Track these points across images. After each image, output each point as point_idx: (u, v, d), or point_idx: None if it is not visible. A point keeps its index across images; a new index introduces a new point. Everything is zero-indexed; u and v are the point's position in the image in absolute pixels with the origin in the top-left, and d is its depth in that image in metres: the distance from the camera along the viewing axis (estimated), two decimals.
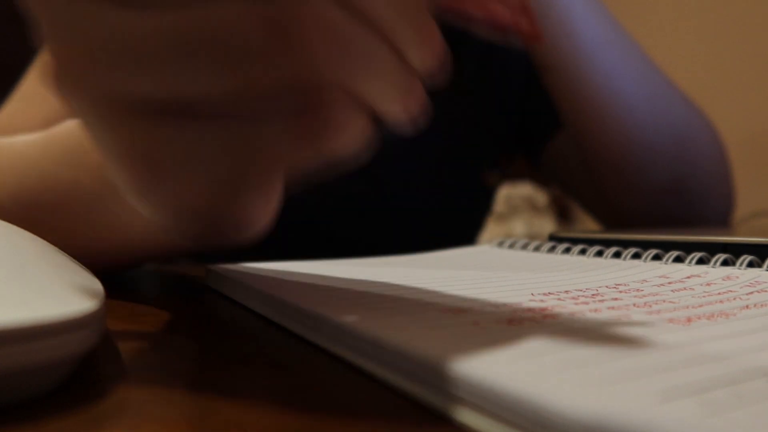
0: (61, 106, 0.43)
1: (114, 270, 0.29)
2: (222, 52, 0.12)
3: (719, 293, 0.19)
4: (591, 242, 0.32)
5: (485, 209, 0.60)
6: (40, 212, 0.27)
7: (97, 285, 0.16)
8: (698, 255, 0.26)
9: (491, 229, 1.64)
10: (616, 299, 0.18)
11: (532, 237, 1.59)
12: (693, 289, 0.20)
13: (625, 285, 0.21)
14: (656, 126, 0.46)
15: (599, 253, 0.30)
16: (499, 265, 0.28)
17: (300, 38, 0.12)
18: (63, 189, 0.26)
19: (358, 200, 0.51)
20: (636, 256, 0.28)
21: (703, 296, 0.19)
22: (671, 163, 0.47)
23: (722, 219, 0.52)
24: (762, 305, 0.17)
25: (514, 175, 1.70)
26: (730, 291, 0.20)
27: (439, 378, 0.12)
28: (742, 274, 0.23)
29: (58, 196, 0.27)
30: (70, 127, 0.27)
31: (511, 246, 0.36)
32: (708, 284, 0.21)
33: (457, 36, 0.52)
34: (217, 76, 0.12)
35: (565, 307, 0.17)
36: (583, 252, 0.31)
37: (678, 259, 0.27)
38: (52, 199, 0.27)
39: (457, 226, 0.58)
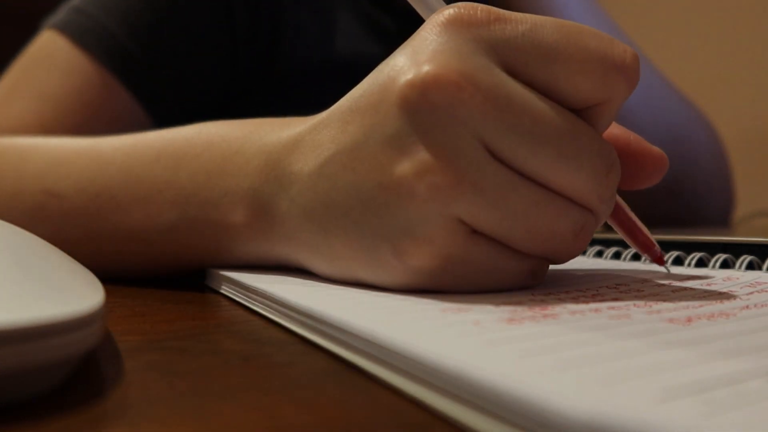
0: (45, 107, 0.42)
1: (130, 275, 0.29)
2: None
3: (719, 293, 0.19)
4: (591, 242, 0.32)
5: None
6: (112, 205, 0.28)
7: (97, 285, 0.17)
8: (698, 255, 0.26)
9: None
10: (616, 299, 0.18)
11: None
12: (693, 289, 0.20)
13: (625, 285, 0.21)
14: (654, 127, 0.46)
15: (599, 253, 0.30)
16: None
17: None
18: (149, 186, 0.27)
19: None
20: (636, 256, 0.28)
21: (703, 296, 0.19)
22: (670, 165, 0.47)
23: (723, 218, 0.52)
24: (762, 305, 0.17)
25: None
26: (730, 291, 0.20)
27: (439, 377, 0.12)
28: (742, 275, 0.23)
29: (141, 192, 0.27)
30: (164, 137, 0.28)
31: None
32: (708, 284, 0.21)
33: None
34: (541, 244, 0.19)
35: (565, 307, 0.17)
36: (583, 252, 0.31)
37: (678, 259, 0.27)
38: (132, 195, 0.27)
39: None
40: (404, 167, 0.18)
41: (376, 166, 0.19)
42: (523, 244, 0.19)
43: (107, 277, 0.28)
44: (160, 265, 0.28)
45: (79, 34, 0.40)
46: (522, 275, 0.20)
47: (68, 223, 0.28)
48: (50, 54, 0.40)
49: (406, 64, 0.19)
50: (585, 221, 0.19)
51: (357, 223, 0.20)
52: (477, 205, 0.18)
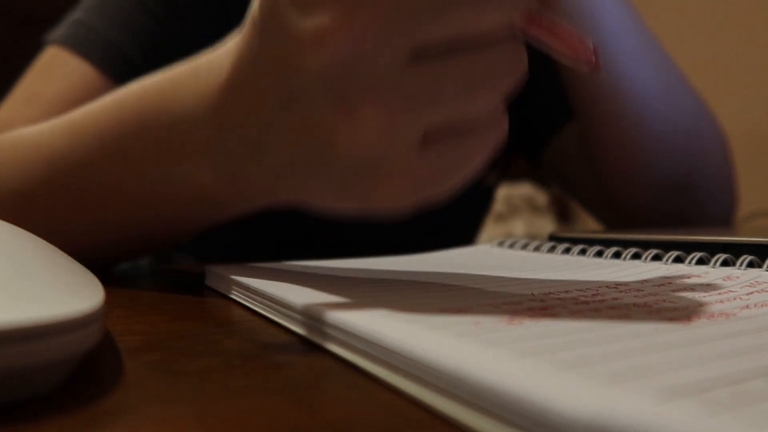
0: (49, 114, 0.43)
1: (123, 258, 0.30)
2: None
3: (719, 293, 0.19)
4: (591, 242, 0.32)
5: (485, 209, 0.60)
6: (74, 195, 0.28)
7: (97, 285, 0.17)
8: (698, 255, 0.26)
9: (491, 229, 1.64)
10: (616, 299, 0.18)
11: (532, 237, 1.58)
12: (693, 289, 0.20)
13: (625, 285, 0.21)
14: (669, 118, 0.46)
15: (599, 253, 0.30)
16: (500, 265, 0.28)
17: None
18: (108, 180, 0.27)
19: None
20: (636, 256, 0.28)
21: (703, 296, 0.19)
22: (681, 158, 0.47)
23: (725, 218, 0.52)
24: (762, 305, 0.17)
25: (514, 175, 1.70)
26: (730, 291, 0.20)
27: (438, 377, 0.12)
28: (743, 274, 0.23)
29: (103, 186, 0.27)
30: (94, 114, 0.28)
31: (511, 246, 0.36)
32: (708, 284, 0.21)
33: None
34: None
35: (565, 307, 0.17)
36: (583, 252, 0.31)
37: (678, 259, 0.27)
38: (96, 189, 0.28)
39: (457, 226, 0.58)
40: (341, 124, 0.19)
41: (313, 130, 0.19)
42: (473, 111, 0.19)
43: (111, 261, 0.28)
44: (156, 243, 0.29)
45: (81, 45, 0.41)
46: (489, 141, 0.20)
47: (51, 220, 0.29)
48: (52, 65, 0.41)
49: (296, 29, 0.18)
50: (516, 47, 0.19)
51: (326, 181, 0.20)
52: (417, 118, 0.18)
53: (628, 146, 0.46)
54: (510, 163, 0.60)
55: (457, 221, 0.57)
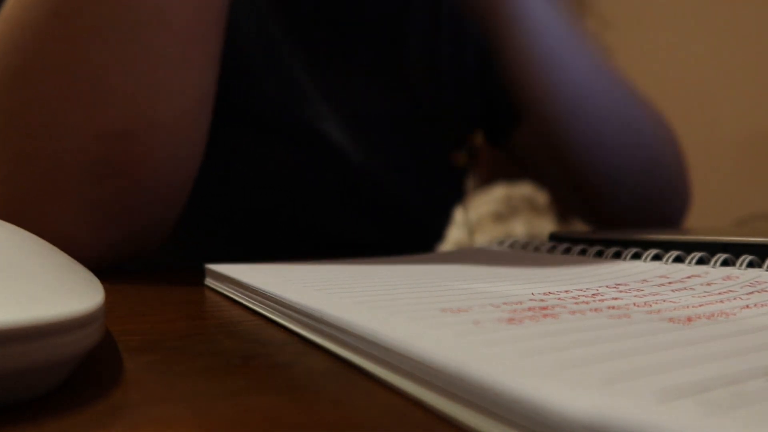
0: None
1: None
2: None
3: (719, 293, 0.19)
4: (591, 242, 0.32)
5: (456, 191, 0.59)
6: (89, 24, 0.29)
7: (96, 285, 0.17)
8: (698, 255, 0.26)
9: (491, 229, 1.64)
10: (616, 299, 0.18)
11: (532, 237, 1.58)
12: (693, 288, 0.20)
13: (625, 285, 0.21)
14: (621, 135, 0.48)
15: (599, 253, 0.30)
16: (500, 265, 0.28)
17: None
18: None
19: (327, 188, 0.49)
20: (636, 256, 0.28)
21: (704, 296, 0.19)
22: (640, 184, 0.49)
23: (678, 219, 0.54)
24: (762, 305, 0.17)
25: (514, 175, 1.70)
26: (730, 291, 0.20)
27: (438, 377, 0.12)
28: (743, 274, 0.23)
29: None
30: None
31: (511, 246, 0.36)
32: (708, 284, 0.21)
33: (401, 14, 0.51)
34: None
35: (565, 307, 0.17)
36: (583, 252, 0.31)
37: (678, 259, 0.27)
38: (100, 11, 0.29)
39: (428, 208, 0.56)
40: None
41: None
42: None
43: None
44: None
45: None
46: None
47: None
48: None
49: None
50: None
51: None
52: None
53: (586, 168, 0.49)
54: (478, 143, 0.59)
55: (426, 203, 0.55)
